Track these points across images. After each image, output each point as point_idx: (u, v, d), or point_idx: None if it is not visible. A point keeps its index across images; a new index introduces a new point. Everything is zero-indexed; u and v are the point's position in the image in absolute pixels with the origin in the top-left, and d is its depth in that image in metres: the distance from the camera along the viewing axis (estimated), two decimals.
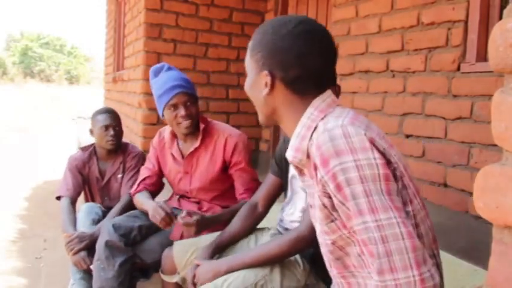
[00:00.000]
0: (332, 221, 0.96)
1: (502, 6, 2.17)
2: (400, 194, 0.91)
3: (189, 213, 1.77)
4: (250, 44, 1.09)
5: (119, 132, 2.48)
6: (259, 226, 1.81)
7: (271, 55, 1.02)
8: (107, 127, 2.43)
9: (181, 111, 1.94)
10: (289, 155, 1.03)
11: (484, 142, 2.15)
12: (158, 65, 2.08)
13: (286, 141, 1.75)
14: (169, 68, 2.05)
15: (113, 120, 2.46)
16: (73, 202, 2.40)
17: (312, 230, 1.28)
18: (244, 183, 2.02)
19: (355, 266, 0.98)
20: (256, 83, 1.06)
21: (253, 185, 2.01)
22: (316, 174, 0.94)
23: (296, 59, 1.00)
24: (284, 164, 1.71)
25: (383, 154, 0.90)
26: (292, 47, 1.00)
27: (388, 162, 0.90)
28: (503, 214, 0.75)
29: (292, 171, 1.67)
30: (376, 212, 0.85)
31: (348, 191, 0.87)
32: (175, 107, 1.94)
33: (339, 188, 0.88)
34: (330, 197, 0.92)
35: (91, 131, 2.52)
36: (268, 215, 1.81)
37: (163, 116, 2.01)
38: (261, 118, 1.11)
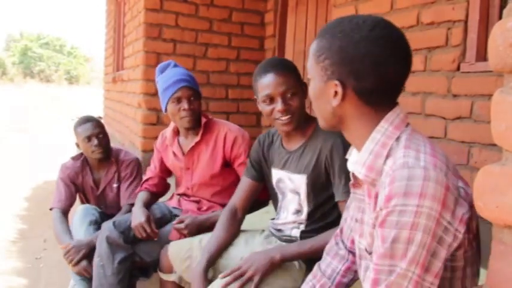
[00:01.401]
0: None
1: (502, 6, 2.17)
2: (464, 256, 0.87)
3: (181, 220, 1.89)
4: (314, 47, 0.98)
5: (102, 140, 2.36)
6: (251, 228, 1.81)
7: (343, 63, 0.92)
8: (89, 138, 2.32)
9: (185, 105, 1.98)
10: (360, 173, 0.94)
11: (484, 142, 2.14)
12: (165, 63, 2.12)
13: (261, 143, 1.73)
14: (175, 65, 2.10)
15: (94, 129, 2.34)
16: (65, 213, 2.35)
17: None
18: None
19: None
20: (322, 92, 0.97)
21: None
22: (376, 202, 0.89)
23: (372, 68, 0.90)
24: (265, 167, 1.71)
25: (453, 213, 0.84)
26: (368, 54, 0.89)
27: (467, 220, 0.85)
28: (503, 214, 0.75)
29: (277, 175, 1.65)
30: (402, 259, 0.81)
31: (390, 233, 0.82)
32: (179, 100, 1.99)
33: (382, 224, 0.83)
34: None
35: (77, 145, 2.44)
36: (253, 219, 1.83)
37: (166, 110, 2.04)
38: (324, 126, 1.03)
